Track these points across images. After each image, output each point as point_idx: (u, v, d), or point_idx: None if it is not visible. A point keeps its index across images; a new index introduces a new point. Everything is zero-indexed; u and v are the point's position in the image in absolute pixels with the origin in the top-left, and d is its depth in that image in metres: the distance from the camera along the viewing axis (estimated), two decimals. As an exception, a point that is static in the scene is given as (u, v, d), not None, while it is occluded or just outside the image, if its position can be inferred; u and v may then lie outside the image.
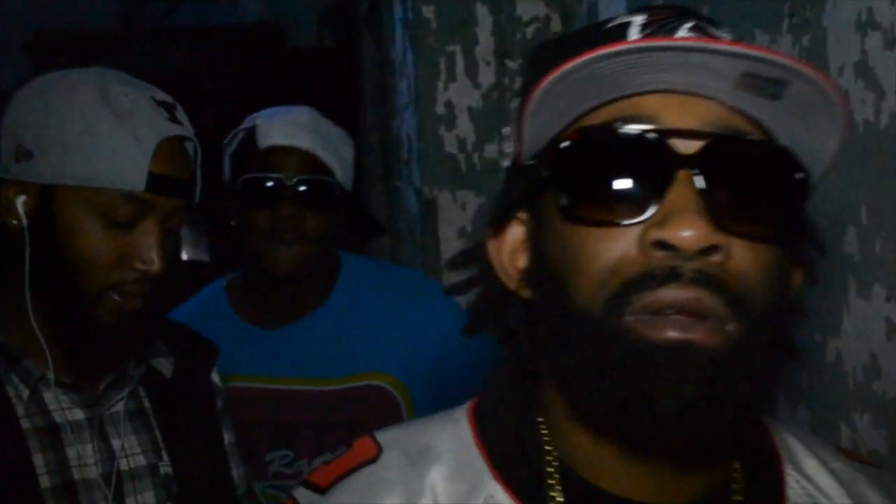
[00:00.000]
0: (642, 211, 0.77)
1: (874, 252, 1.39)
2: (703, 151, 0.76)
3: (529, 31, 2.81)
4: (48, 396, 1.43)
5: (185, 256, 8.65)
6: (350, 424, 2.03)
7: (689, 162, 0.76)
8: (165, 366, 1.53)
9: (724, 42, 0.77)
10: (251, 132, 2.09)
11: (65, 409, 1.44)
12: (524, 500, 0.85)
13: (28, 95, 1.46)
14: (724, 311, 0.74)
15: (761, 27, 1.68)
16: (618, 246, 0.77)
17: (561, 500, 0.84)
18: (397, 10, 3.27)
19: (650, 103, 0.79)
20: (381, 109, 3.91)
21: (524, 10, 2.80)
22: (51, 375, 1.41)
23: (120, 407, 1.48)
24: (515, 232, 0.89)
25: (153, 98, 1.45)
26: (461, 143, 2.78)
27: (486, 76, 2.80)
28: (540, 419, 0.88)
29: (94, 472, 1.43)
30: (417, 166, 2.88)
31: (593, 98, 0.79)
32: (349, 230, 2.29)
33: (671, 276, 0.74)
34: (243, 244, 2.13)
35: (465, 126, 2.79)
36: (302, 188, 2.03)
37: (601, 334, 0.76)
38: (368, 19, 4.25)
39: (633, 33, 0.81)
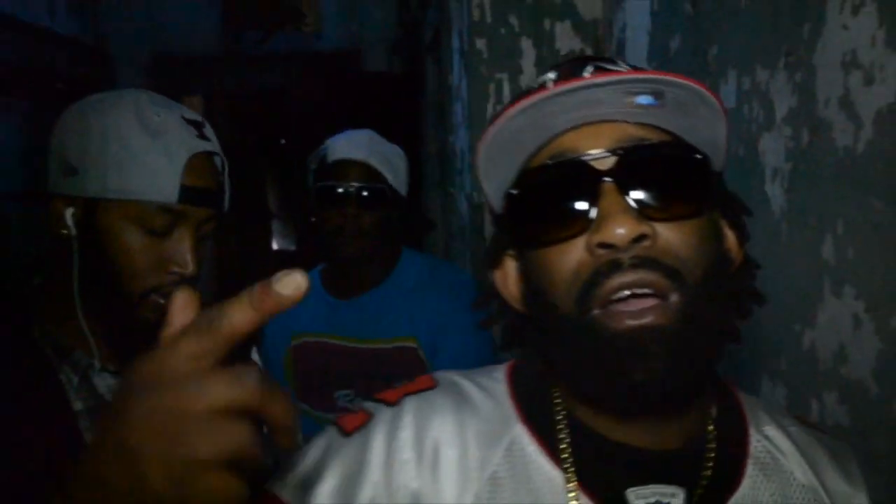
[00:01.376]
0: (584, 224, 0.83)
1: (847, 258, 1.40)
2: (615, 164, 0.83)
3: (566, 62, 2.82)
4: (97, 381, 1.41)
5: (275, 247, 8.75)
6: (388, 374, 2.23)
7: (607, 175, 0.83)
8: None
9: (608, 74, 0.83)
10: (324, 150, 2.26)
11: (112, 391, 1.42)
12: (543, 441, 0.89)
13: (71, 117, 1.43)
14: (664, 283, 0.80)
15: (762, 64, 1.68)
16: (573, 256, 0.84)
17: (568, 440, 0.89)
18: (455, 42, 3.29)
19: (570, 139, 0.86)
20: (439, 126, 3.92)
21: (562, 44, 2.82)
22: (97, 363, 1.40)
23: None
24: (510, 265, 0.95)
25: (183, 116, 1.42)
26: (506, 156, 2.79)
27: (529, 100, 2.81)
28: (556, 393, 0.93)
29: None
30: (468, 176, 2.90)
31: (526, 149, 0.87)
32: (404, 227, 2.44)
33: (615, 267, 0.81)
34: (320, 237, 2.28)
35: (509, 142, 2.80)
36: (360, 193, 2.19)
37: (577, 330, 0.83)
38: (430, 48, 4.27)
39: (549, 85, 0.86)
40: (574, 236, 0.84)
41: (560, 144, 0.86)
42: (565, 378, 0.92)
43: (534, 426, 0.91)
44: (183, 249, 1.38)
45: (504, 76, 2.81)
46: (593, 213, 0.83)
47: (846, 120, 1.39)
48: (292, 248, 8.42)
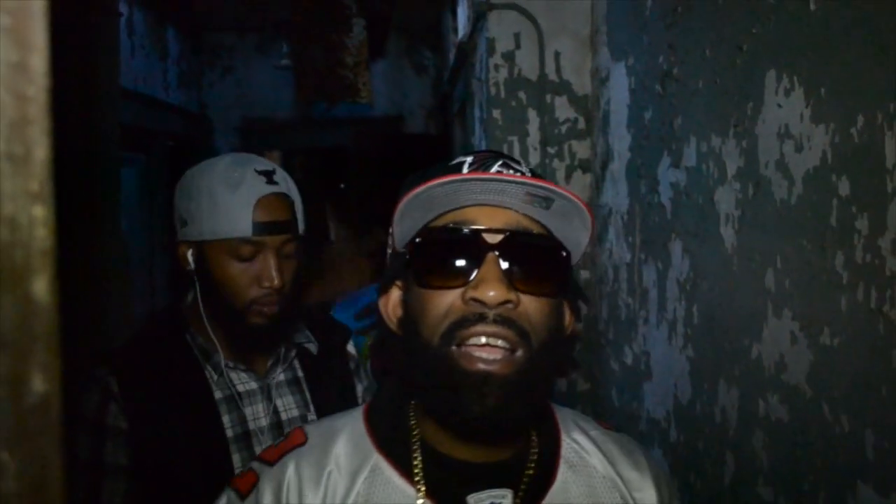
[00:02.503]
0: (465, 279, 0.85)
1: (785, 287, 1.39)
2: (502, 241, 0.85)
3: (563, 128, 2.83)
4: (232, 375, 1.47)
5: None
6: None
7: (494, 248, 0.85)
8: (312, 346, 1.57)
9: (515, 175, 0.86)
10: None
11: (244, 382, 1.48)
12: (396, 464, 0.90)
13: (183, 182, 1.49)
14: (515, 340, 0.83)
15: (715, 133, 1.68)
16: (448, 300, 0.85)
17: (419, 463, 0.90)
18: (476, 112, 3.31)
19: (471, 212, 0.87)
20: (464, 176, 3.93)
21: (560, 114, 2.82)
22: (231, 363, 1.47)
23: (282, 377, 1.52)
24: (395, 293, 0.96)
25: (255, 169, 1.46)
26: (516, 201, 2.80)
27: (534, 158, 2.81)
28: (411, 413, 0.94)
29: (264, 423, 1.47)
30: (487, 216, 2.90)
31: (435, 210, 0.88)
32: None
33: (481, 318, 0.83)
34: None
35: (518, 190, 2.81)
36: None
37: (436, 359, 0.84)
38: (458, 115, 4.29)
39: (465, 169, 0.90)
40: (455, 287, 0.85)
41: (463, 214, 0.87)
42: (419, 398, 0.92)
43: (389, 452, 0.91)
44: (268, 268, 1.42)
45: (515, 138, 2.82)
46: (474, 274, 0.84)
47: (782, 178, 1.39)
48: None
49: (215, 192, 1.42)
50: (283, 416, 1.50)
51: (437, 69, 6.59)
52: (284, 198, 1.48)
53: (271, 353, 1.52)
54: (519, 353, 0.83)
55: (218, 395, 1.44)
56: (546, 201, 0.85)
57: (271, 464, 0.94)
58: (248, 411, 1.46)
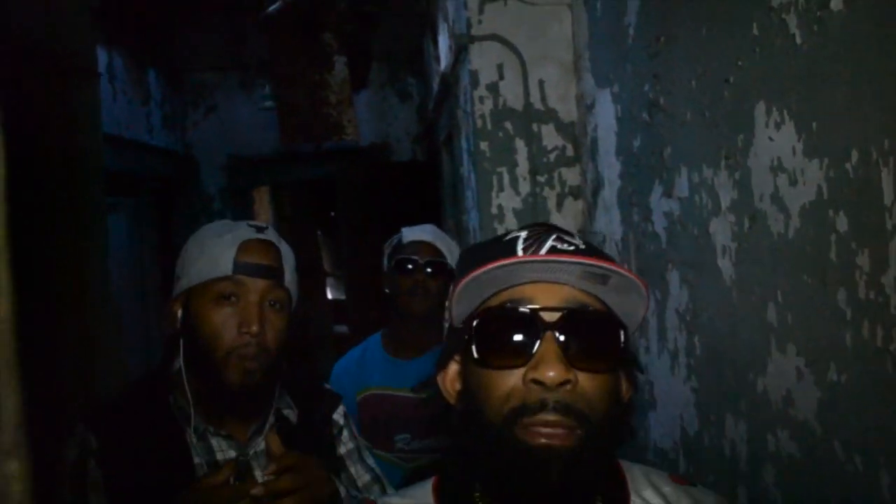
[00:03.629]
0: (525, 359, 0.86)
1: (788, 322, 1.37)
2: (560, 319, 0.86)
3: (552, 156, 2.82)
4: (212, 441, 1.43)
5: (329, 296, 8.76)
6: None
7: (552, 326, 0.86)
8: (292, 415, 1.51)
9: (571, 256, 0.86)
10: (398, 236, 2.32)
11: (223, 450, 1.44)
12: None
13: (185, 246, 1.49)
14: (574, 425, 0.83)
15: (706, 164, 1.67)
16: (509, 382, 0.86)
17: None
18: (463, 143, 3.30)
19: (527, 290, 0.88)
20: (455, 206, 3.92)
21: (548, 142, 2.82)
22: (211, 428, 1.43)
23: (261, 447, 1.45)
24: (453, 368, 0.97)
25: (248, 224, 1.46)
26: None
27: (524, 187, 2.81)
28: (477, 489, 0.93)
29: None
30: (480, 248, 2.89)
31: (493, 289, 0.89)
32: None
33: (541, 406, 0.83)
34: (394, 300, 2.38)
35: (510, 221, 2.80)
36: (427, 264, 2.25)
37: (500, 439, 0.85)
38: (445, 143, 4.28)
39: (519, 246, 0.90)
40: (514, 367, 0.86)
41: (520, 292, 0.88)
42: (484, 473, 0.92)
43: None
44: (248, 312, 1.38)
45: (504, 169, 2.81)
46: (534, 353, 0.85)
47: (778, 212, 1.38)
48: (342, 297, 8.44)
49: (204, 241, 1.44)
50: None
51: (421, 95, 6.60)
52: (270, 245, 1.45)
53: (252, 419, 1.47)
54: (578, 431, 0.83)
55: (197, 459, 1.41)
56: (602, 278, 0.86)
57: None
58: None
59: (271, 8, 4.37)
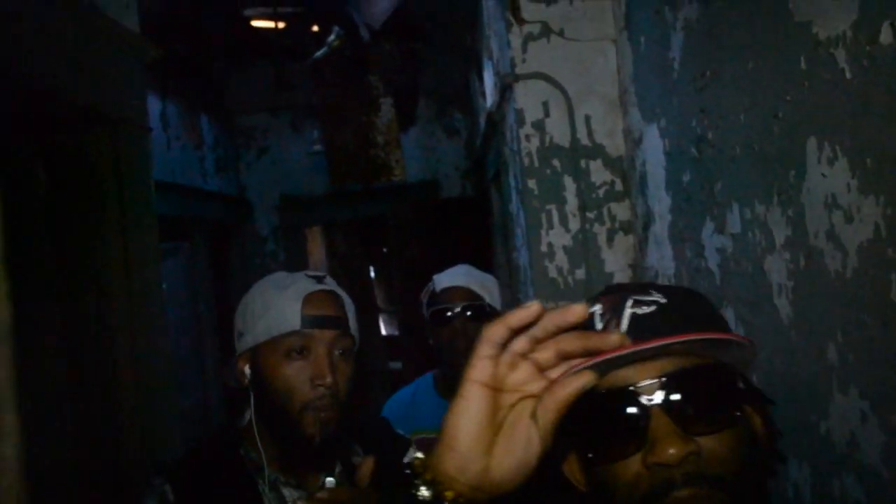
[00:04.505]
0: (639, 443, 0.81)
1: (849, 362, 1.33)
2: (663, 391, 0.81)
3: (601, 191, 2.80)
4: (284, 491, 1.46)
5: (383, 332, 8.83)
6: None
7: (656, 401, 0.81)
8: (359, 462, 1.53)
9: (654, 341, 0.77)
10: (432, 285, 2.28)
11: (296, 499, 1.46)
12: None
13: (240, 303, 1.52)
14: (710, 491, 0.77)
15: (759, 200, 1.64)
16: (632, 470, 0.81)
17: None
18: (511, 181, 3.31)
19: (625, 373, 0.82)
20: (505, 243, 3.92)
21: (596, 178, 2.80)
22: (282, 478, 1.45)
23: None
24: (573, 456, 0.92)
25: (306, 274, 1.49)
26: (559, 270, 2.77)
27: (574, 224, 2.79)
28: None
29: None
30: (531, 286, 2.88)
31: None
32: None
33: (669, 485, 0.78)
34: (437, 351, 2.27)
35: (561, 259, 2.78)
36: (465, 311, 2.19)
37: None
38: (494, 181, 4.29)
39: (597, 324, 0.85)
40: (632, 454, 0.81)
41: (614, 377, 0.82)
42: None
43: None
44: (320, 365, 1.41)
45: (553, 206, 2.80)
46: (646, 437, 0.80)
47: (834, 250, 1.34)
48: (396, 333, 8.48)
49: (266, 295, 1.46)
50: None
51: (468, 130, 6.64)
52: (334, 295, 1.49)
53: (323, 468, 1.50)
54: (720, 495, 0.78)
55: None
56: (690, 344, 0.81)
57: None
58: None
59: (318, 53, 4.47)
